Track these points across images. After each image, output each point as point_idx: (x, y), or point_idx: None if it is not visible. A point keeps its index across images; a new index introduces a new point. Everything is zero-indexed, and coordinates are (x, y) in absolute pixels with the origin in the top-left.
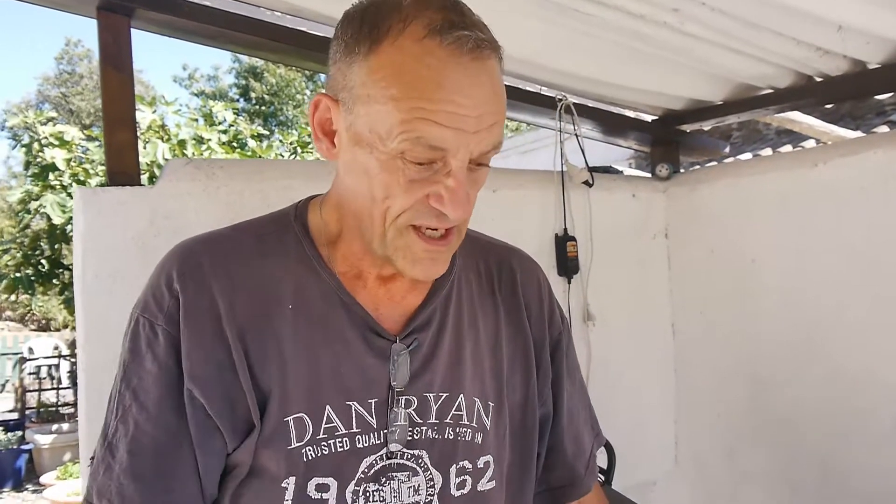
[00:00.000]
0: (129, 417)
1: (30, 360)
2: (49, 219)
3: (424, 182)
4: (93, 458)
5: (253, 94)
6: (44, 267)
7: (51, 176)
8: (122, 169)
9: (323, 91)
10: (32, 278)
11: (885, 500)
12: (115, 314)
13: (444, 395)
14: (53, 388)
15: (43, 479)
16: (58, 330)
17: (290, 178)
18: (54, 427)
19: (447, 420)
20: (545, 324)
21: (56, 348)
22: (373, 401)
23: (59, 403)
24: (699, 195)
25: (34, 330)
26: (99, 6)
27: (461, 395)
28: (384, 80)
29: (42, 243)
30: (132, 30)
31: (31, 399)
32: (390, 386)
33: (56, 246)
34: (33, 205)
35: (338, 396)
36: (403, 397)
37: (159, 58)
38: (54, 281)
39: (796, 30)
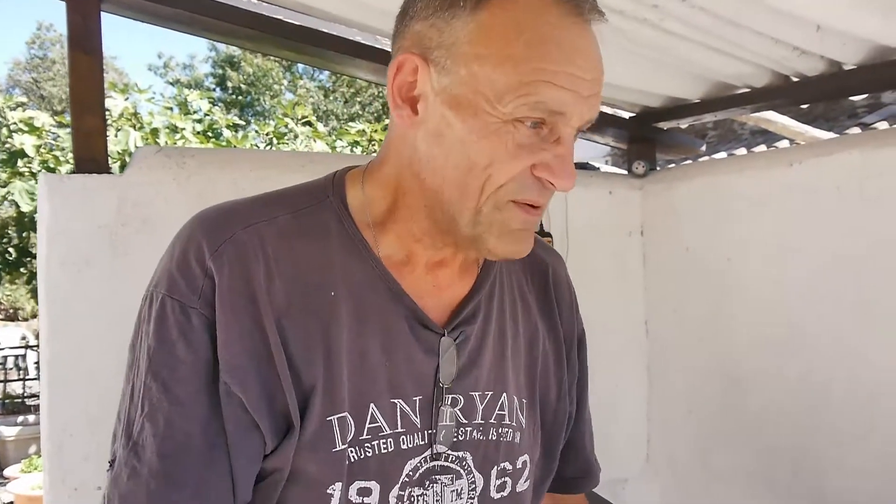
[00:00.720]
0: (158, 414)
1: None
2: (17, 206)
3: (532, 148)
4: (112, 461)
5: (229, 84)
6: (11, 255)
7: (20, 162)
8: (91, 155)
9: (404, 51)
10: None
11: (856, 498)
12: (80, 305)
13: (490, 393)
14: (20, 379)
15: (7, 471)
16: (25, 320)
17: (263, 168)
18: (20, 419)
19: (492, 420)
20: (574, 321)
21: (23, 338)
22: (417, 398)
23: (26, 395)
24: (675, 193)
25: (1, 320)
26: None
27: (504, 394)
28: (500, 36)
29: (10, 231)
30: (102, 13)
31: None
32: (436, 383)
33: (24, 234)
34: (1, 192)
35: (383, 394)
36: (450, 396)
37: (134, 45)
38: (22, 270)
39: (775, 29)
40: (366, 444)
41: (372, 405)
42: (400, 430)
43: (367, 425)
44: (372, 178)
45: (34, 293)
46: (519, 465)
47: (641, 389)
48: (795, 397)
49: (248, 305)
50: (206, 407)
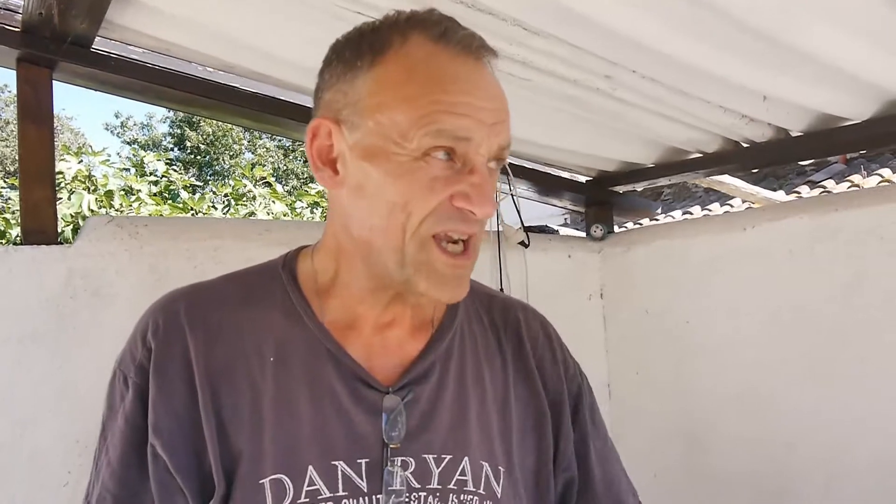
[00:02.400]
0: (100, 475)
1: None
2: None
3: (448, 181)
4: None
5: (188, 144)
6: None
7: None
8: (39, 227)
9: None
10: None
11: None
12: (24, 381)
13: (448, 457)
14: None
15: None
16: None
17: (218, 237)
18: None
19: (451, 486)
20: (561, 380)
21: None
22: (363, 461)
23: None
24: (633, 256)
25: None
26: (19, 58)
27: (465, 458)
28: (396, 83)
29: None
30: (54, 82)
31: None
32: (383, 444)
33: None
34: None
35: (322, 455)
36: (399, 458)
37: (92, 104)
38: None
39: (723, 98)
40: None
41: (310, 467)
42: (341, 493)
43: (305, 488)
44: (318, 251)
45: None
46: None
47: None
48: (755, 458)
49: (182, 369)
50: (135, 470)
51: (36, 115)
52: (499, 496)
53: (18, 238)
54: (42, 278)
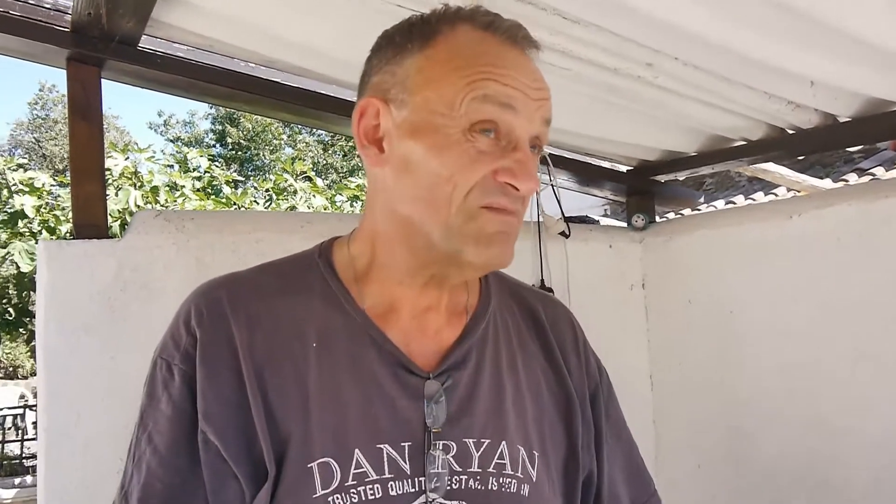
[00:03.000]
0: (143, 463)
1: None
2: (17, 266)
3: (493, 156)
4: None
5: (229, 140)
6: (11, 315)
7: (20, 223)
8: (89, 221)
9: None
10: None
11: None
12: (78, 372)
13: (487, 441)
14: (18, 440)
15: None
16: (25, 378)
17: (261, 230)
18: (17, 480)
19: (490, 469)
20: (583, 374)
21: (22, 397)
22: (406, 444)
23: (24, 455)
24: (675, 245)
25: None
26: (69, 57)
27: (503, 443)
28: (445, 60)
29: (9, 291)
30: (102, 80)
31: None
32: (426, 428)
33: (24, 294)
34: (1, 252)
35: (368, 439)
36: (441, 441)
37: (136, 103)
38: (21, 329)
39: (768, 84)
40: (351, 490)
41: (357, 451)
42: (388, 475)
43: (352, 471)
44: (355, 238)
45: (33, 352)
46: None
47: (649, 444)
48: (801, 449)
49: (229, 359)
50: (186, 457)
51: (85, 112)
52: (534, 479)
53: (69, 234)
54: (93, 271)
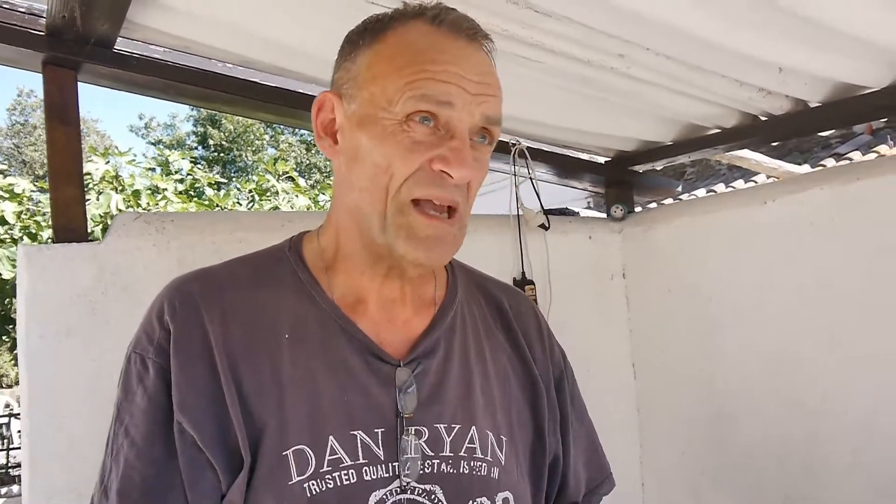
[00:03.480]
0: (120, 456)
1: None
2: None
3: (429, 145)
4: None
5: (211, 142)
6: None
7: (0, 230)
8: (69, 225)
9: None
10: None
11: None
12: (60, 375)
13: (457, 426)
14: (3, 449)
15: None
16: (10, 387)
17: (243, 230)
18: (4, 490)
19: (461, 453)
20: (548, 361)
21: (7, 406)
22: (379, 430)
23: (10, 465)
24: (654, 235)
25: None
26: (44, 60)
27: (473, 428)
28: (390, 56)
29: None
30: (79, 83)
31: None
32: (398, 414)
33: (6, 301)
34: None
35: (341, 426)
36: (413, 427)
37: (116, 107)
38: (4, 337)
39: (739, 72)
40: (326, 476)
41: (331, 437)
42: (362, 461)
43: (327, 457)
44: (324, 230)
45: (17, 360)
46: (499, 502)
47: (633, 432)
48: (782, 432)
49: (203, 351)
50: (162, 448)
51: (62, 115)
52: (503, 463)
53: (49, 239)
54: (74, 275)
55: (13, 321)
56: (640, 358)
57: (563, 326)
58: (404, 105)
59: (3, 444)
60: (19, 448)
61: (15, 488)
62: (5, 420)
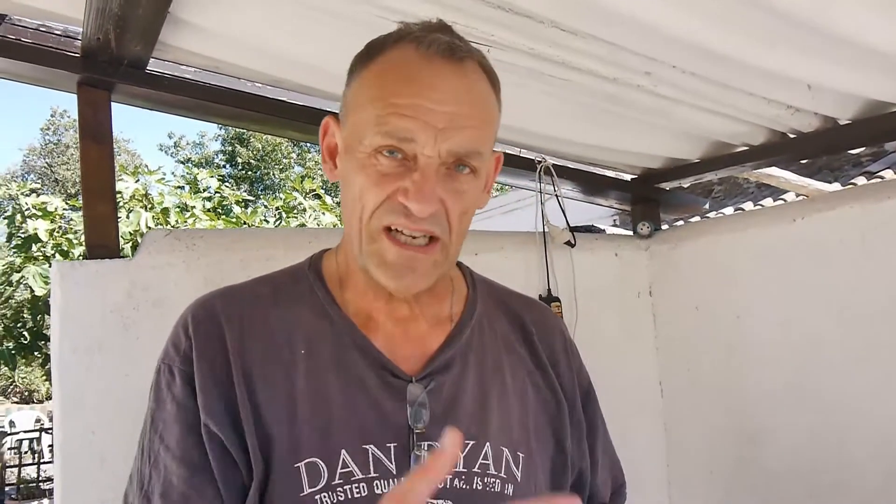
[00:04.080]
0: (159, 462)
1: (11, 434)
2: (31, 290)
3: (394, 178)
4: None
5: (239, 160)
6: (26, 339)
7: (34, 247)
8: (101, 241)
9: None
10: (13, 351)
11: None
12: (92, 389)
13: (471, 442)
14: (34, 463)
15: None
16: (41, 402)
17: (271, 247)
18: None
19: (475, 469)
20: (574, 376)
21: (38, 421)
22: (391, 445)
23: (41, 479)
24: (681, 252)
25: (16, 402)
26: (80, 81)
27: (487, 444)
28: (368, 85)
29: (24, 314)
30: (112, 103)
31: (12, 475)
32: (410, 429)
33: (38, 317)
34: (15, 276)
35: (353, 439)
36: (426, 442)
37: (146, 127)
38: (36, 353)
39: (766, 89)
40: (338, 489)
41: (343, 451)
42: (373, 474)
43: (338, 470)
44: (339, 248)
45: (49, 375)
46: None
47: (660, 450)
48: (811, 452)
49: (222, 362)
50: (195, 450)
51: (96, 135)
52: (518, 480)
53: (81, 256)
54: (105, 291)
55: (45, 337)
56: (667, 376)
57: (590, 344)
58: (372, 140)
59: (34, 458)
60: (50, 462)
61: (45, 502)
62: (36, 435)
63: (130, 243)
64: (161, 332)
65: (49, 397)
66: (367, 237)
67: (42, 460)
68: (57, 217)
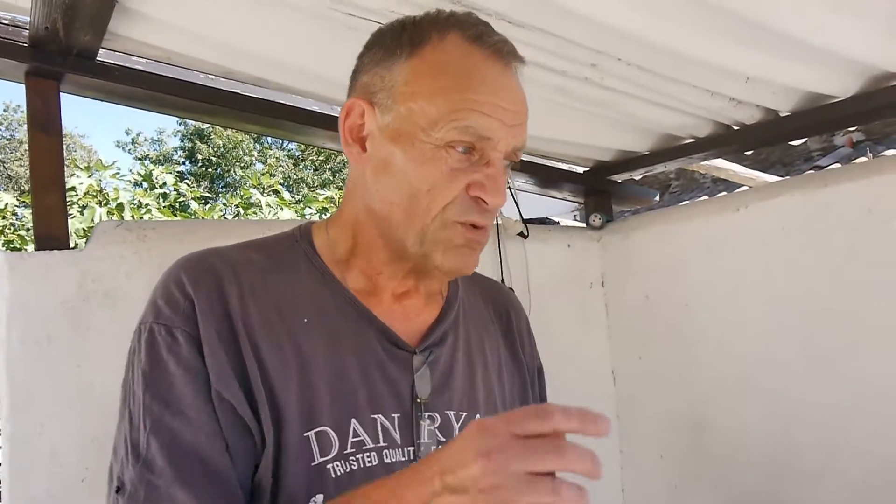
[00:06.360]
0: (162, 426)
1: None
2: None
3: (466, 171)
4: (119, 486)
5: (199, 157)
6: None
7: None
8: (51, 233)
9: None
10: None
11: None
12: (42, 382)
13: (464, 414)
14: None
15: None
16: None
17: (223, 237)
18: None
19: None
20: (533, 355)
21: None
22: (396, 415)
23: None
24: (632, 243)
25: None
26: (27, 71)
27: (477, 416)
28: (431, 75)
29: None
30: (62, 94)
31: None
32: (413, 399)
33: None
34: None
35: (363, 409)
36: (428, 413)
37: (105, 122)
38: None
39: (709, 82)
40: (350, 458)
41: (353, 420)
42: (382, 444)
43: (350, 439)
44: (334, 223)
45: None
46: None
47: (613, 437)
48: (759, 436)
49: (227, 326)
50: (206, 414)
51: (45, 125)
52: None
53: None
54: (56, 282)
55: None
56: (620, 364)
57: (543, 334)
58: (447, 133)
59: None
60: None
61: None
62: None
63: (84, 240)
64: (112, 323)
65: None
66: (438, 225)
67: None
68: (8, 213)
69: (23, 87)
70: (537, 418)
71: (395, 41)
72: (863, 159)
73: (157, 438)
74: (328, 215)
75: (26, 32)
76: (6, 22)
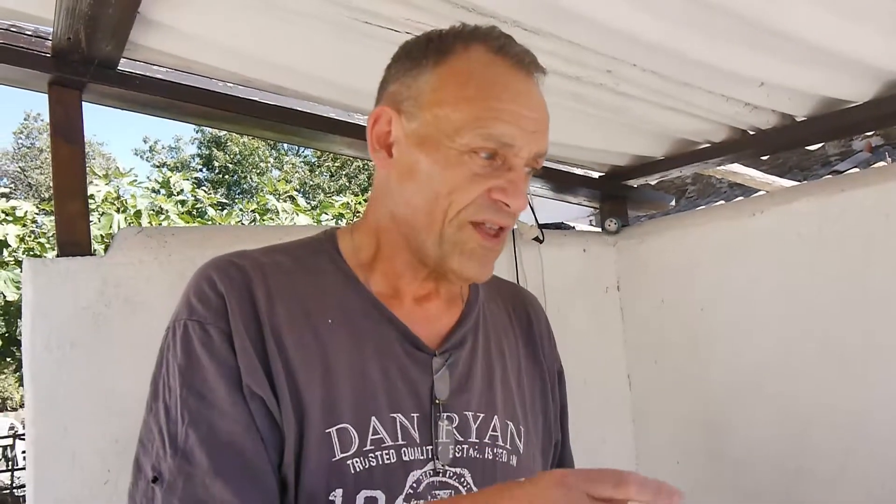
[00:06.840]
0: (199, 419)
1: None
2: (3, 296)
3: (487, 176)
4: (155, 477)
5: (216, 164)
6: None
7: (4, 252)
8: (73, 239)
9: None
10: None
11: None
12: (65, 386)
13: (482, 415)
14: (8, 470)
15: None
16: (14, 409)
17: (242, 243)
18: None
19: (486, 440)
20: (554, 358)
21: (12, 428)
22: (415, 415)
23: (14, 486)
24: (648, 247)
25: None
26: (50, 81)
27: (495, 417)
28: (456, 84)
29: None
30: (84, 103)
31: None
32: (432, 400)
33: (11, 323)
34: None
35: (383, 408)
36: (446, 413)
37: (124, 130)
38: (9, 359)
39: (724, 87)
40: (370, 455)
41: (373, 418)
42: (401, 442)
43: (369, 437)
44: (359, 228)
45: (22, 382)
46: None
47: (628, 442)
48: (775, 439)
49: (254, 324)
50: (240, 407)
51: (67, 134)
52: (521, 452)
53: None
54: (77, 288)
55: (18, 343)
56: (635, 369)
57: (559, 338)
58: (471, 139)
59: (7, 465)
60: (23, 469)
61: None
62: (9, 442)
63: (104, 246)
64: (133, 329)
65: (22, 405)
66: (454, 228)
67: (16, 467)
68: (28, 221)
69: (44, 96)
70: (615, 485)
71: (422, 52)
72: (881, 164)
73: (195, 430)
74: (344, 221)
75: (49, 43)
76: (29, 33)
